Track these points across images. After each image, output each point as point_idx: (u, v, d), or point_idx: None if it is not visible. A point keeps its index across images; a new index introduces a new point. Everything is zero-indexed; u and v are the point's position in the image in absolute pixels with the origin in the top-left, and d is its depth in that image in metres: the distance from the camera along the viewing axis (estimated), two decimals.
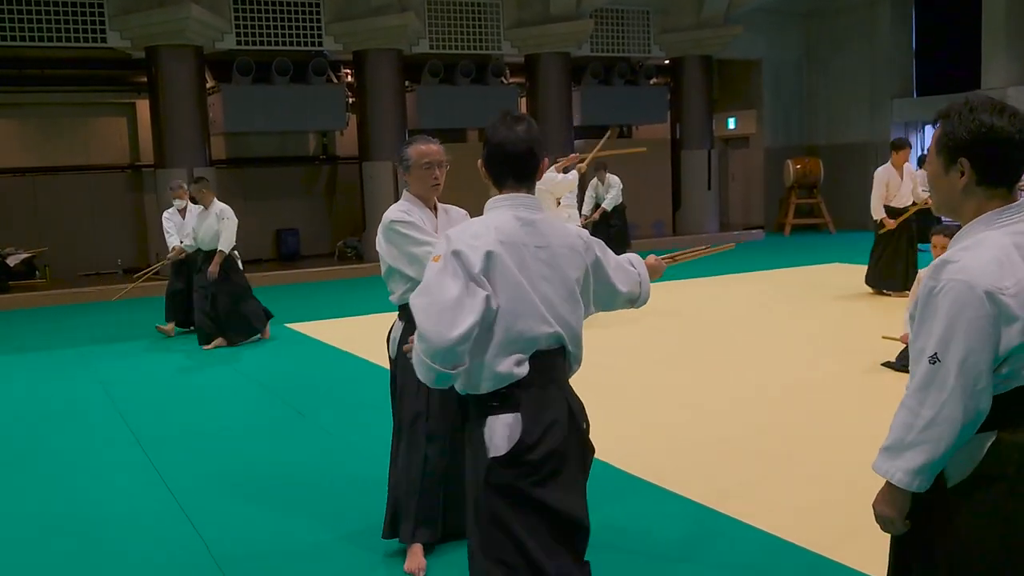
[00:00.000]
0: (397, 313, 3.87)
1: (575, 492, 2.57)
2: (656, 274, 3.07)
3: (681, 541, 3.95)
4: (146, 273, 11.09)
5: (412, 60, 15.60)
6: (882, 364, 6.86)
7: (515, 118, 2.64)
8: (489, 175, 2.65)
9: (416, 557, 3.80)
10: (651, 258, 3.12)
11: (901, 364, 6.70)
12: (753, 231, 18.47)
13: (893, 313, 8.68)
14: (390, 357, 3.94)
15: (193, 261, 9.13)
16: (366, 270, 14.53)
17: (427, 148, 3.86)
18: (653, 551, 3.85)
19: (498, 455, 2.45)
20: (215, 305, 8.82)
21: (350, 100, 15.72)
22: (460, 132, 17.82)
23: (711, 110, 18.42)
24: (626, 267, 2.91)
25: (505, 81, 16.75)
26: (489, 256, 2.45)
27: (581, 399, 2.65)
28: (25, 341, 9.78)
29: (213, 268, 8.66)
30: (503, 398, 2.48)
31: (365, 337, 8.86)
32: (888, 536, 2.18)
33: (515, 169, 2.61)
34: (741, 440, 5.31)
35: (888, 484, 2.06)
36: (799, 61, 19.77)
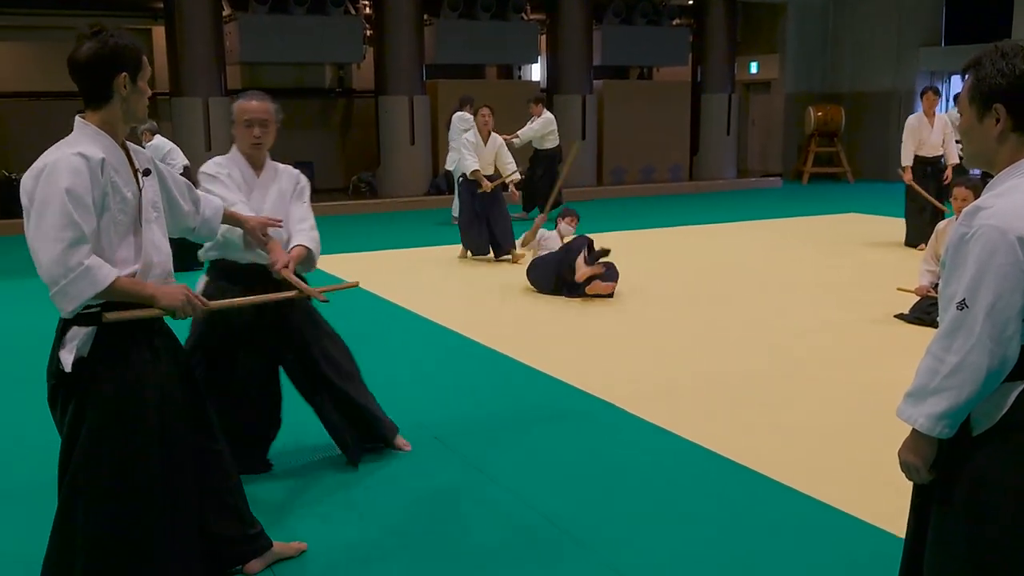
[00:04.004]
0: (205, 269, 3.91)
1: None
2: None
3: (670, 479, 3.98)
4: None
5: None
6: (895, 316, 6.82)
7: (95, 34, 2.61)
8: None
9: None
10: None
11: (914, 316, 6.66)
12: (771, 178, 18.29)
13: (909, 265, 8.61)
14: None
15: None
16: (380, 206, 14.48)
17: (248, 105, 3.77)
18: (649, 492, 3.87)
19: None
20: None
21: (368, 32, 15.52)
22: (478, 68, 17.61)
23: (734, 53, 18.12)
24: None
25: (525, 17, 16.48)
26: None
27: None
28: (29, 264, 9.79)
29: None
30: None
31: (377, 273, 8.86)
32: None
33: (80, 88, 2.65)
34: (743, 385, 5.31)
35: (913, 431, 2.05)
36: (825, 6, 19.38)
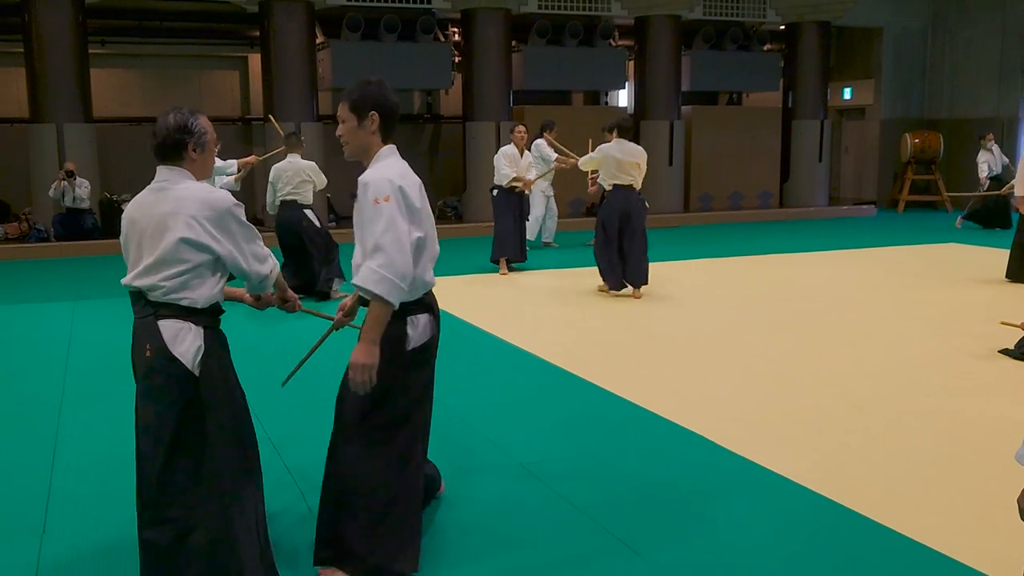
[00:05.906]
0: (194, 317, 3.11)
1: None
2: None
3: (752, 508, 3.84)
4: None
5: (520, 20, 15.45)
6: (999, 351, 6.52)
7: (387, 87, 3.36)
8: (382, 129, 3.32)
9: None
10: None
11: (1019, 352, 6.36)
12: (864, 206, 17.82)
13: (1013, 298, 8.24)
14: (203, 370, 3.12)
15: None
16: (466, 230, 14.57)
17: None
18: (727, 519, 3.74)
19: (419, 344, 3.23)
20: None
21: (456, 59, 15.69)
22: (565, 94, 17.63)
23: (826, 79, 17.76)
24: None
25: (613, 43, 16.46)
26: (421, 189, 3.20)
27: None
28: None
29: None
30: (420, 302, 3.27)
31: (459, 298, 8.87)
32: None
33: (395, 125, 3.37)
34: (833, 415, 5.14)
35: None
36: (924, 30, 18.86)
